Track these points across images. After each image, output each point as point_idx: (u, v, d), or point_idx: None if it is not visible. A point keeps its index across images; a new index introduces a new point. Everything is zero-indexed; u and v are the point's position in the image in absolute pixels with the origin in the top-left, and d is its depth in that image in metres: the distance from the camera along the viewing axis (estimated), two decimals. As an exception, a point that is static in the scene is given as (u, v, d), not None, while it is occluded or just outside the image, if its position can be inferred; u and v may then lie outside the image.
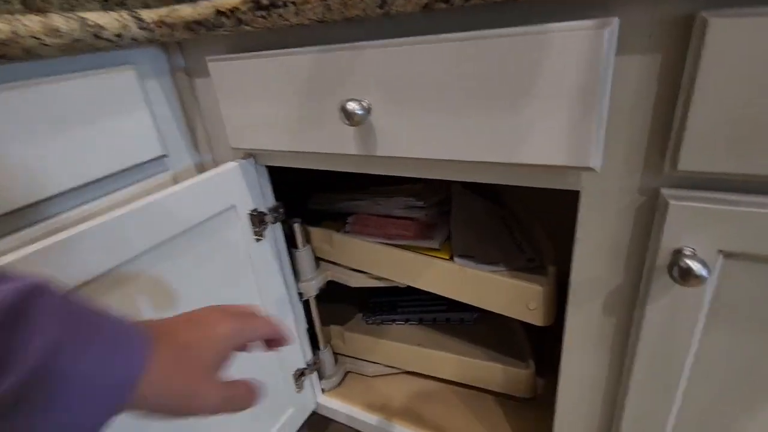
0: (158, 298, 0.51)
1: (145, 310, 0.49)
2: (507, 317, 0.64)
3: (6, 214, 0.44)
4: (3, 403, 0.22)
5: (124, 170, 0.54)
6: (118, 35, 0.48)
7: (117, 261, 0.45)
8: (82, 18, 0.44)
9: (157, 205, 0.48)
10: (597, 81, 0.33)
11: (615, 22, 0.32)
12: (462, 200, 0.79)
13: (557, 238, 0.62)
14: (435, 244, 0.68)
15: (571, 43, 0.33)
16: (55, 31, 0.42)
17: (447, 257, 0.67)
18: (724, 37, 0.29)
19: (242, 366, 0.40)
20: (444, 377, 0.82)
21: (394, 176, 0.51)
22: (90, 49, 0.47)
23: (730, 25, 0.29)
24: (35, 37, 0.40)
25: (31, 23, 0.40)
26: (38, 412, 0.23)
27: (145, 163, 0.57)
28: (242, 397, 0.33)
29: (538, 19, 0.35)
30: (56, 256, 0.40)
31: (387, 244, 0.70)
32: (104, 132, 0.51)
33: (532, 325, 0.62)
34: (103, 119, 0.51)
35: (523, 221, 0.76)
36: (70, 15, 0.43)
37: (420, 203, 0.73)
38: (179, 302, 0.53)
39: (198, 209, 0.53)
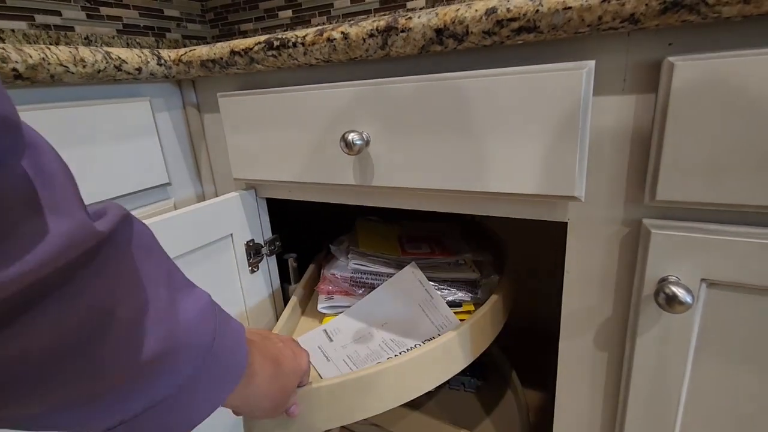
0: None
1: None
2: (510, 386, 0.62)
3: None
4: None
5: (128, 194, 0.56)
6: (138, 69, 0.51)
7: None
8: (107, 51, 0.48)
9: (158, 227, 0.49)
10: (577, 116, 0.36)
11: (591, 64, 0.35)
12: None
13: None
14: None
15: (552, 82, 0.36)
16: (81, 61, 0.45)
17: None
18: (689, 78, 0.32)
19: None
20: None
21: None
22: (110, 80, 0.50)
23: (694, 67, 0.32)
24: (62, 65, 0.44)
25: (60, 52, 0.43)
26: (200, 385, 0.25)
27: (149, 189, 0.59)
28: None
29: (522, 61, 0.39)
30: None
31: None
32: (114, 157, 0.54)
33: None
34: (115, 146, 0.53)
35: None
36: (96, 48, 0.47)
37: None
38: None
39: (197, 235, 0.55)
